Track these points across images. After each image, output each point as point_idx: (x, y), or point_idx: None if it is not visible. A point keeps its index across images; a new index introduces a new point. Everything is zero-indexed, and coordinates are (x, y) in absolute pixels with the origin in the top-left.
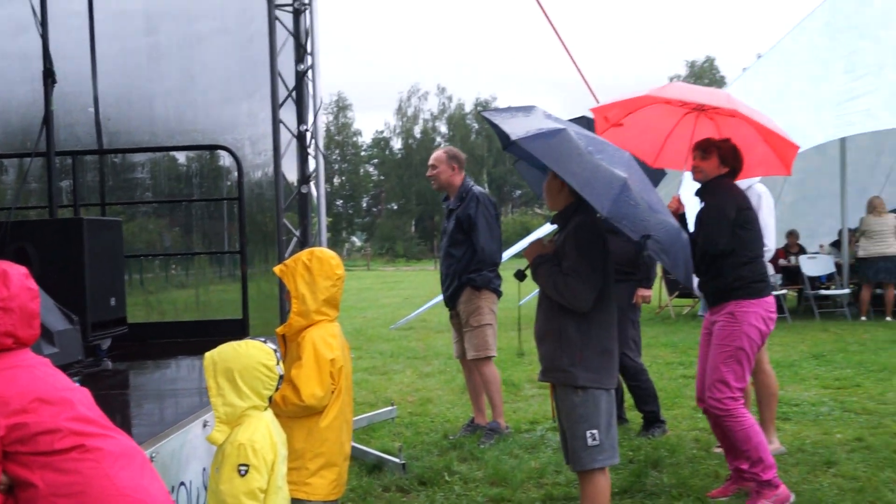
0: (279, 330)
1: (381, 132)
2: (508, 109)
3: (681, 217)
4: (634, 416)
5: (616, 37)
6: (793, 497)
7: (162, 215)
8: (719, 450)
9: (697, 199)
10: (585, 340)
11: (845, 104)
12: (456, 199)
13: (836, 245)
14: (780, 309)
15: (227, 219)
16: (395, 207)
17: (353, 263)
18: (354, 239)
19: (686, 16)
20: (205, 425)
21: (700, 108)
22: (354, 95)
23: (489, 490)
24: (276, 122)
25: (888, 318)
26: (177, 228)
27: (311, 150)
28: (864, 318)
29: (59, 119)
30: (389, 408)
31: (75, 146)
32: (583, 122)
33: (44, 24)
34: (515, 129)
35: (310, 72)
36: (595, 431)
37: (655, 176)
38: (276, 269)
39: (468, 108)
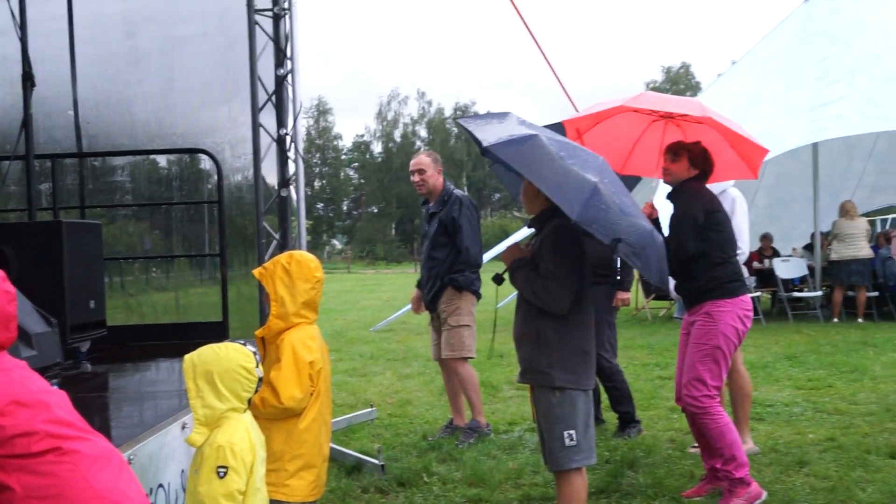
0: (258, 332)
1: (362, 136)
2: (483, 116)
3: (655, 222)
4: (611, 417)
5: (593, 43)
6: (764, 494)
7: (142, 218)
8: (694, 450)
9: (669, 203)
10: (563, 342)
11: (818, 110)
12: (438, 202)
13: (809, 248)
14: (754, 311)
15: (207, 222)
16: (376, 211)
17: (334, 266)
18: (335, 242)
19: (662, 23)
20: (183, 427)
21: (668, 116)
22: (335, 100)
23: (467, 491)
24: (255, 125)
25: (860, 320)
26: (157, 231)
27: (290, 154)
28: (836, 320)
29: (38, 122)
30: (369, 409)
31: (55, 149)
32: (559, 127)
33: (23, 27)
34: (488, 135)
35: (289, 76)
36: (572, 432)
37: (629, 182)
38: (256, 271)
39: (448, 112)
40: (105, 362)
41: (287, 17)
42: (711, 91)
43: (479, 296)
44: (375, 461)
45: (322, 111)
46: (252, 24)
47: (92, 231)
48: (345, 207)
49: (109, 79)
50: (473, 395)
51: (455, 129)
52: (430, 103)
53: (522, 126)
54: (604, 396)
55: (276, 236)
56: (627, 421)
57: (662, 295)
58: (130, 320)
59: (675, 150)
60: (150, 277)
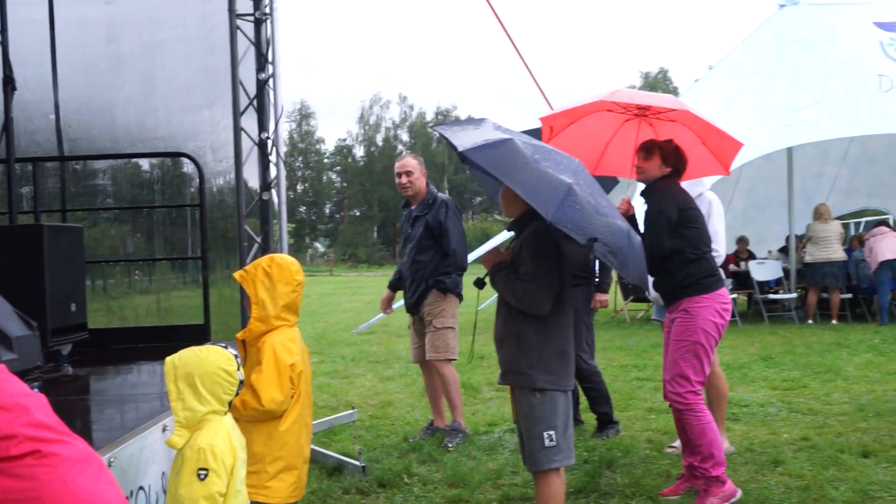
0: (239, 335)
1: (344, 140)
2: (460, 122)
3: (631, 219)
4: (589, 418)
5: (572, 48)
6: (739, 493)
7: (124, 221)
8: (671, 450)
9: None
10: (543, 343)
11: (791, 115)
12: (422, 205)
13: (784, 251)
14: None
15: (189, 225)
16: (358, 214)
17: (316, 269)
18: (317, 245)
19: (641, 28)
20: (164, 429)
21: (641, 113)
22: (317, 104)
23: (447, 491)
24: (237, 129)
25: (834, 322)
26: (139, 234)
27: (272, 158)
28: (810, 322)
29: (19, 126)
30: (350, 411)
31: (36, 153)
32: (536, 133)
33: (3, 30)
34: (464, 141)
35: (271, 80)
36: (552, 432)
37: (607, 184)
38: (237, 274)
39: (430, 116)
40: (86, 365)
41: (268, 21)
42: (689, 96)
43: (461, 298)
44: (356, 462)
45: (304, 115)
46: (233, 29)
47: (73, 234)
48: (327, 211)
49: (91, 82)
50: (455, 397)
51: (437, 134)
52: (411, 107)
53: (498, 131)
54: (582, 398)
55: (258, 240)
56: (605, 422)
57: (641, 297)
58: (112, 323)
59: (647, 149)
60: (132, 281)
